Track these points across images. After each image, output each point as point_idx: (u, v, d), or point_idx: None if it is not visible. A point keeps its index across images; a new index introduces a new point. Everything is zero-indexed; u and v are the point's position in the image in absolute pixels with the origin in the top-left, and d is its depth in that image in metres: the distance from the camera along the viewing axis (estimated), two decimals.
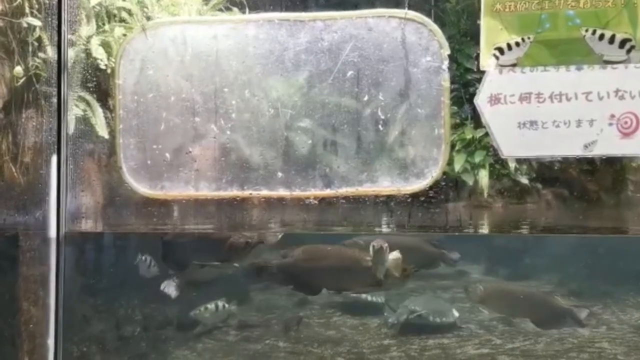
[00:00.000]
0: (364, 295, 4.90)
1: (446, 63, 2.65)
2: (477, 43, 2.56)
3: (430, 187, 2.72)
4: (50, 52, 3.05)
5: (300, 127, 2.80)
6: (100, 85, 3.09)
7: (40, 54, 3.09)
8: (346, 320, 5.03)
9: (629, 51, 2.45)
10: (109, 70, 3.05)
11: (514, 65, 2.52)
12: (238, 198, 2.82)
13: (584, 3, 2.45)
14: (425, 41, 2.67)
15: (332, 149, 2.79)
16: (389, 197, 2.77)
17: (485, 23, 2.52)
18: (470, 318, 4.95)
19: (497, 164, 3.12)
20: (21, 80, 3.10)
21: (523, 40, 2.50)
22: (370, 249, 3.30)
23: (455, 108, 2.91)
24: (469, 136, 3.09)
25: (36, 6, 3.07)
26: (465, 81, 2.88)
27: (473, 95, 2.57)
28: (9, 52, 3.12)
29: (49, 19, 3.02)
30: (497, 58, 2.52)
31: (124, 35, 3.09)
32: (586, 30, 2.46)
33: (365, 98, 2.73)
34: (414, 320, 4.81)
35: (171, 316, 4.84)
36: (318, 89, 2.75)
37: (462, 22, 3.02)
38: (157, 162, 2.84)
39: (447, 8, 3.08)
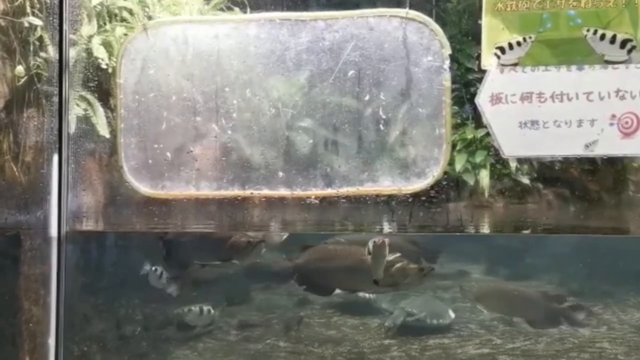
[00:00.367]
0: (360, 295, 4.88)
1: (447, 63, 2.65)
2: (478, 43, 2.56)
3: (431, 187, 2.72)
4: (52, 52, 3.05)
5: (301, 127, 2.80)
6: (102, 85, 3.09)
7: (42, 54, 3.09)
8: (346, 320, 5.03)
9: (629, 51, 2.45)
10: (110, 70, 3.04)
11: (515, 64, 2.52)
12: (239, 197, 2.82)
13: (585, 3, 2.45)
14: (426, 41, 2.67)
15: (333, 148, 2.79)
16: (390, 197, 2.77)
17: (486, 22, 2.52)
18: (471, 318, 4.95)
19: (498, 164, 3.11)
20: (22, 80, 3.10)
21: (524, 39, 2.50)
22: (370, 245, 3.26)
23: (457, 108, 2.90)
24: (470, 136, 3.09)
25: (37, 6, 3.07)
26: (466, 81, 2.88)
27: (474, 95, 2.57)
28: (10, 51, 3.12)
29: (51, 19, 3.02)
30: (498, 57, 2.52)
31: (125, 34, 3.09)
32: (587, 30, 2.46)
33: (367, 98, 2.73)
34: (410, 322, 4.81)
35: (172, 316, 4.84)
36: (319, 89, 2.75)
37: (464, 22, 3.02)
38: (158, 162, 2.84)
39: (448, 8, 3.07)
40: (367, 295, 4.87)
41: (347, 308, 5.08)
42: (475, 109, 2.59)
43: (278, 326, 4.97)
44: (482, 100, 2.55)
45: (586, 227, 3.18)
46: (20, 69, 3.10)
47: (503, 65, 2.53)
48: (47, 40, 3.08)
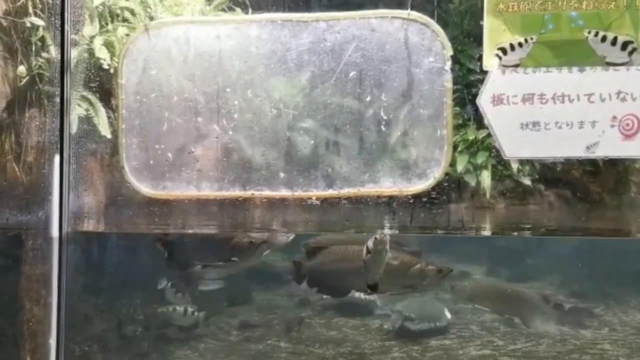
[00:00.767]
0: (356, 296, 4.85)
1: (449, 64, 2.65)
2: (480, 44, 2.56)
3: (433, 188, 2.72)
4: (54, 52, 3.05)
5: (302, 128, 2.80)
6: (103, 85, 3.09)
7: (44, 54, 3.09)
8: (346, 321, 5.03)
9: (630, 53, 2.45)
10: (111, 70, 3.05)
11: (516, 65, 2.52)
12: (240, 198, 2.82)
13: (587, 5, 2.45)
14: (428, 42, 2.67)
15: (334, 149, 2.79)
16: (391, 198, 2.77)
17: (488, 23, 2.52)
18: (472, 319, 4.95)
19: (500, 165, 3.11)
20: (24, 80, 3.11)
21: (526, 40, 2.50)
22: (370, 242, 3.12)
23: (458, 109, 2.90)
24: (471, 137, 3.09)
25: (39, 6, 3.07)
26: (467, 82, 2.88)
27: (475, 96, 2.57)
28: (12, 51, 3.12)
29: (52, 19, 3.02)
30: (500, 58, 2.52)
31: (127, 35, 3.10)
32: (589, 32, 2.46)
33: (368, 99, 2.73)
34: (408, 325, 4.80)
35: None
36: (320, 90, 2.75)
37: (465, 23, 3.01)
38: (160, 162, 2.85)
39: (450, 9, 3.07)
40: (362, 296, 4.84)
41: (344, 309, 5.08)
42: (476, 110, 2.59)
43: (279, 326, 4.97)
44: (484, 101, 2.55)
45: (587, 228, 3.18)
46: (22, 69, 3.10)
47: (504, 66, 2.53)
48: (49, 40, 3.08)
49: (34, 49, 3.09)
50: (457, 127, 3.00)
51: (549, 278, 5.23)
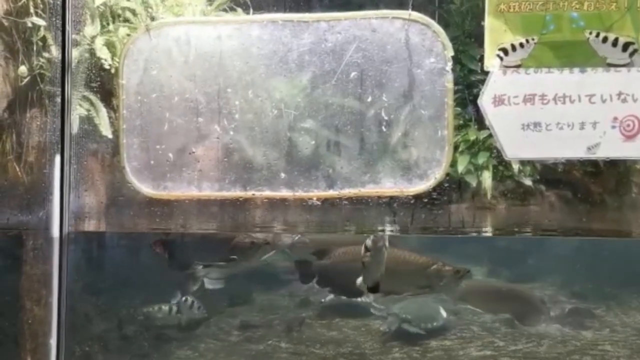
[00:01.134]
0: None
1: (450, 64, 2.65)
2: (481, 45, 2.56)
3: (434, 189, 2.72)
4: (55, 52, 3.05)
5: (303, 128, 2.80)
6: (104, 85, 3.09)
7: (45, 54, 3.09)
8: (346, 322, 5.02)
9: (631, 54, 2.44)
10: (112, 70, 3.05)
11: (518, 66, 2.52)
12: (241, 198, 2.82)
13: (588, 6, 2.45)
14: (429, 42, 2.67)
15: (335, 150, 2.79)
16: (392, 199, 2.76)
17: (489, 23, 2.52)
18: (473, 320, 4.95)
19: (501, 166, 3.11)
20: (25, 80, 3.11)
21: (527, 41, 2.49)
22: (369, 241, 3.06)
23: (459, 109, 2.90)
24: (472, 137, 3.09)
25: (41, 6, 3.07)
26: (468, 82, 2.88)
27: (476, 96, 2.57)
28: (13, 51, 3.12)
29: (54, 19, 3.02)
30: (501, 59, 2.52)
31: (128, 35, 3.10)
32: (590, 33, 2.46)
33: (369, 99, 2.73)
34: (405, 327, 4.79)
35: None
36: (321, 90, 2.75)
37: (466, 24, 3.02)
38: (160, 162, 2.85)
39: (451, 9, 3.07)
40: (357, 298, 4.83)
41: (343, 310, 5.07)
42: (477, 110, 2.59)
43: (280, 327, 4.97)
44: (485, 101, 2.55)
45: (588, 229, 3.18)
46: (23, 69, 3.11)
47: (506, 66, 2.52)
48: (50, 40, 3.08)
49: (35, 48, 3.09)
50: (458, 128, 3.00)
51: (549, 279, 5.23)
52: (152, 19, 3.10)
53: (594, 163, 2.92)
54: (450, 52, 2.64)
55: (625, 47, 2.44)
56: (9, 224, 3.11)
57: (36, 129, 3.10)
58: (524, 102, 2.52)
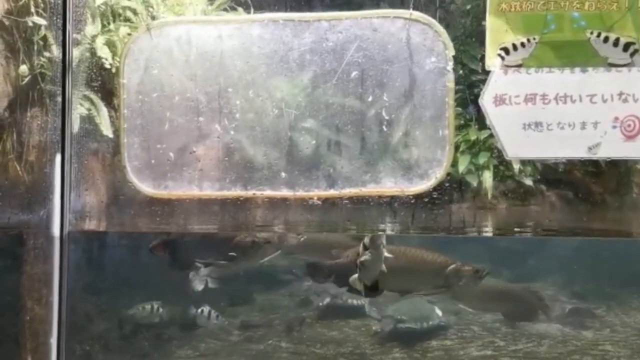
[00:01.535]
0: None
1: (451, 64, 2.65)
2: (482, 44, 2.56)
3: (434, 188, 2.72)
4: (55, 51, 3.05)
5: (304, 128, 2.80)
6: (105, 85, 3.09)
7: (45, 53, 3.09)
8: (348, 322, 5.02)
9: (632, 54, 2.45)
10: (113, 70, 3.05)
11: (519, 66, 2.52)
12: (241, 198, 2.82)
13: (589, 5, 2.45)
14: (430, 42, 2.67)
15: (336, 149, 2.79)
16: (393, 198, 2.76)
17: (490, 23, 2.52)
18: (473, 320, 4.95)
19: (502, 165, 3.11)
20: (26, 79, 3.11)
21: (528, 40, 2.49)
22: (367, 240, 3.08)
23: (460, 109, 2.90)
24: (473, 137, 3.09)
25: (41, 5, 3.07)
26: (470, 82, 2.88)
27: (478, 96, 2.57)
28: (14, 51, 3.12)
29: (54, 18, 3.02)
30: (502, 58, 2.52)
31: (129, 34, 3.10)
32: (591, 33, 2.46)
33: (370, 99, 2.73)
34: (401, 328, 4.78)
35: (174, 315, 4.83)
36: (322, 90, 2.75)
37: (467, 23, 3.02)
38: (161, 162, 2.85)
39: (452, 9, 3.07)
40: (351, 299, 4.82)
41: (342, 310, 5.07)
42: (478, 110, 2.59)
43: (280, 327, 4.97)
44: (486, 101, 2.55)
45: (589, 229, 3.18)
46: (24, 68, 3.11)
47: (507, 66, 2.52)
48: (50, 39, 3.08)
49: (35, 48, 3.09)
50: (459, 128, 3.00)
51: (550, 279, 5.22)
52: (153, 18, 3.10)
53: (594, 163, 2.92)
54: (451, 52, 2.64)
55: (626, 47, 2.44)
56: (10, 223, 3.11)
57: (37, 128, 3.10)
58: (525, 102, 2.52)
